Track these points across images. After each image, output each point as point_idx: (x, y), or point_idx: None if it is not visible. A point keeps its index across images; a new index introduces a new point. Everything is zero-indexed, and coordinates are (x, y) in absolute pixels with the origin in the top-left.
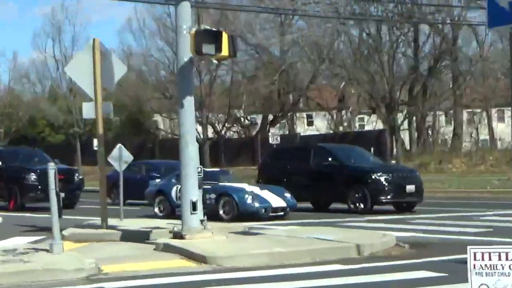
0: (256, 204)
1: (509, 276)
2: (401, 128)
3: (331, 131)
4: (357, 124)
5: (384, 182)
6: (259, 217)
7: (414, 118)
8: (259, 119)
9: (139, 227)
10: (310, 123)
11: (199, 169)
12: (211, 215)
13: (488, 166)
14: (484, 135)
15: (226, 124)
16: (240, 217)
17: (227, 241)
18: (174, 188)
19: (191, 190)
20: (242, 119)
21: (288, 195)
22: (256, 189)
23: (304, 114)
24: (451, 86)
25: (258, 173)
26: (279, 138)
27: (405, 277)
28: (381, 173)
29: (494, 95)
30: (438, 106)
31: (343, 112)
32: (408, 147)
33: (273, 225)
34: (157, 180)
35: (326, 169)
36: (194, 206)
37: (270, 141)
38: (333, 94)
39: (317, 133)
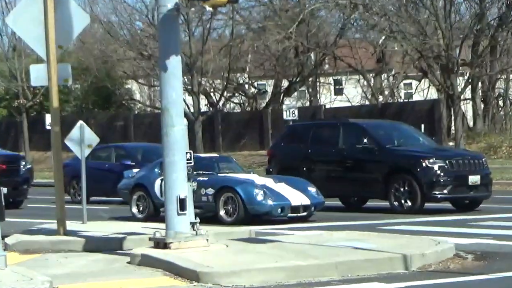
0: (270, 202)
1: None
2: (462, 97)
3: (367, 102)
4: (402, 93)
5: (439, 172)
6: (274, 219)
7: (479, 84)
8: (269, 86)
9: (108, 232)
10: (338, 92)
11: (189, 155)
12: (208, 217)
13: None
14: None
15: (225, 94)
16: (247, 219)
17: (227, 252)
18: (158, 181)
19: (178, 183)
20: (247, 86)
21: (312, 189)
22: (269, 182)
23: (331, 80)
24: None
25: (268, 160)
26: (296, 112)
27: None
28: (434, 159)
29: None
30: None
31: (383, 76)
32: (471, 123)
33: (290, 229)
34: (134, 170)
35: (360, 154)
36: (182, 204)
37: (285, 117)
38: (370, 53)
39: (348, 104)
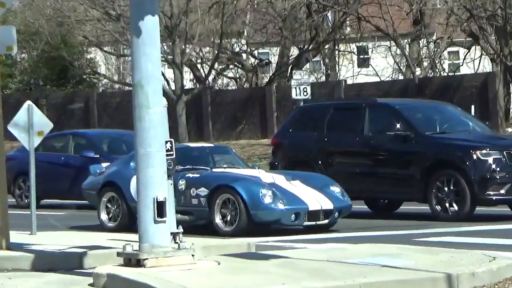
0: (280, 206)
1: None
2: None
3: (400, 77)
4: (446, 64)
5: (494, 166)
6: (285, 227)
7: None
8: (273, 56)
9: (64, 246)
10: (363, 63)
11: (169, 145)
12: (200, 225)
13: None
14: None
15: (216, 66)
16: (250, 228)
17: (219, 270)
18: (134, 179)
19: (155, 181)
20: (244, 56)
21: (336, 189)
22: (279, 179)
23: (353, 47)
24: None
25: (273, 151)
26: (309, 90)
27: None
28: (489, 149)
29: None
30: None
31: (422, 43)
32: None
33: (301, 241)
34: (103, 165)
35: (392, 143)
36: (160, 208)
37: (294, 95)
38: (405, 11)
39: (376, 79)
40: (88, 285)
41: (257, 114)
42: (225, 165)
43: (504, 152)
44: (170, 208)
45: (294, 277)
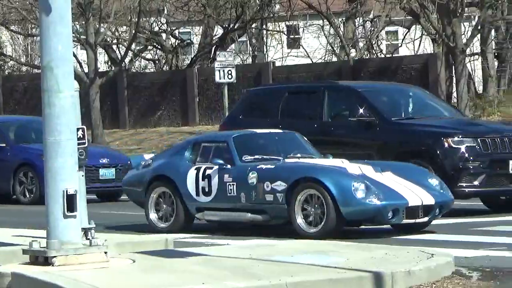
0: (375, 201)
1: None
2: (468, 51)
3: (334, 58)
4: (383, 45)
5: (468, 155)
6: (380, 225)
7: (492, 32)
8: (195, 36)
9: None
10: (293, 43)
11: (80, 133)
12: (276, 226)
13: None
14: None
15: (134, 47)
16: (339, 227)
17: (133, 269)
18: (193, 172)
19: (64, 173)
20: (164, 36)
21: (435, 181)
22: (368, 171)
23: (283, 26)
24: None
25: None
26: (233, 73)
27: None
28: (461, 136)
29: None
30: None
31: (357, 21)
32: (480, 88)
33: (221, 237)
34: (146, 156)
35: (354, 130)
36: (70, 202)
37: (217, 79)
38: None
39: (307, 61)
40: None
41: (178, 99)
42: (298, 155)
43: (478, 140)
44: (81, 201)
45: (215, 276)
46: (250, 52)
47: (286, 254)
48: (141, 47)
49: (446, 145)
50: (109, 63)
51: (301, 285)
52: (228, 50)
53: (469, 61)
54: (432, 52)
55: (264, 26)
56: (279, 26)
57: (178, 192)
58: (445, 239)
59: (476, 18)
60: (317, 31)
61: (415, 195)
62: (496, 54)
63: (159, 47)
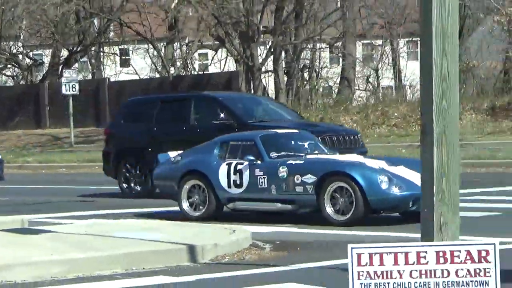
0: (399, 191)
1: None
2: (264, 69)
3: (157, 75)
4: (196, 64)
5: None
6: (401, 212)
7: (283, 54)
8: (46, 57)
9: None
10: (124, 63)
11: None
12: (305, 216)
13: (392, 126)
14: (388, 79)
15: None
16: (366, 215)
17: None
18: (224, 167)
19: None
20: (21, 57)
21: None
22: (384, 165)
23: (117, 49)
24: (339, 5)
25: (105, 140)
26: (77, 86)
27: None
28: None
29: (402, 19)
30: (319, 37)
31: (176, 45)
32: (273, 97)
33: (68, 218)
34: (171, 154)
35: (217, 131)
36: None
37: (63, 91)
38: (161, 18)
39: (135, 77)
40: None
41: (32, 108)
42: (316, 151)
43: (319, 138)
44: None
45: (60, 249)
46: (90, 70)
47: (119, 232)
48: (2, 66)
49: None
50: None
51: (130, 256)
52: (72, 68)
53: (264, 77)
54: (235, 70)
55: (101, 49)
56: (113, 49)
57: (211, 184)
58: (252, 217)
59: (270, 43)
60: (143, 53)
61: None
62: (285, 71)
63: (16, 65)
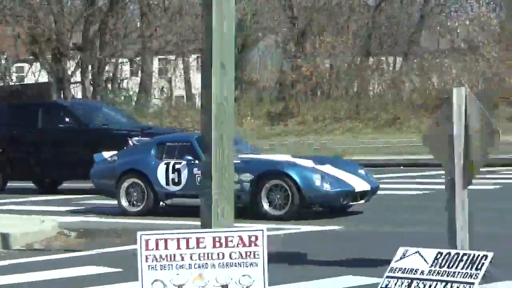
0: (328, 188)
1: (190, 269)
2: (72, 80)
3: None
4: (14, 76)
5: None
6: (334, 208)
7: (90, 67)
8: None
9: None
10: None
11: None
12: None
13: (187, 129)
14: (181, 89)
15: None
16: (301, 209)
17: None
18: (163, 166)
19: None
20: None
21: (363, 171)
22: (311, 164)
23: None
24: (138, 25)
25: None
26: None
27: (66, 274)
28: (140, 137)
29: (193, 36)
30: (121, 53)
31: None
32: None
33: None
34: (105, 154)
35: (63, 134)
36: None
37: None
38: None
39: None
40: None
41: None
42: (246, 152)
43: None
44: None
45: None
46: None
47: None
48: None
49: (131, 143)
50: None
51: None
52: None
53: (73, 88)
54: (48, 81)
55: None
56: None
57: (149, 182)
58: (59, 210)
59: (78, 57)
60: None
61: (357, 183)
62: (91, 82)
63: None
